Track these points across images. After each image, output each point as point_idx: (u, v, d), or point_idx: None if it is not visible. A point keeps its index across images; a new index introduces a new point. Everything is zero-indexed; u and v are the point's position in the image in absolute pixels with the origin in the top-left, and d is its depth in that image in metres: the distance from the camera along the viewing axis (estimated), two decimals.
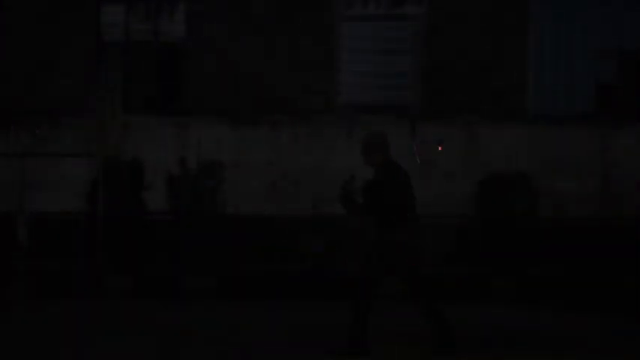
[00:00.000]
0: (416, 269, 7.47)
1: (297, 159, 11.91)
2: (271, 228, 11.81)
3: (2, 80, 12.20)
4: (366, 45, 12.02)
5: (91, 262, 11.67)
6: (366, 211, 7.47)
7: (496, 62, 11.79)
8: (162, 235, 11.92)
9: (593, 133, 11.69)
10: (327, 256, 11.67)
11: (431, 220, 9.48)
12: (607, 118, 11.72)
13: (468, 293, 11.03)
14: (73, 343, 8.19)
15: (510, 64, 11.78)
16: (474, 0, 11.86)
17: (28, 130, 12.09)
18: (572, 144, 11.67)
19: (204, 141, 12.01)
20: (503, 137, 11.73)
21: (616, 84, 11.81)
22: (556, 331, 8.81)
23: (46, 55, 12.20)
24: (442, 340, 7.49)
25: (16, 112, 12.09)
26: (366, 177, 7.55)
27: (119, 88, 12.26)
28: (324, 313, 9.66)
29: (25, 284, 11.42)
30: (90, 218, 11.87)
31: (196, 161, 12.04)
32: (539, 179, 11.69)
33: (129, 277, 11.52)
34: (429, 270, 7.78)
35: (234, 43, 12.04)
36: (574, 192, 11.62)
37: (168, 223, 11.99)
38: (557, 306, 10.51)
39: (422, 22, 11.90)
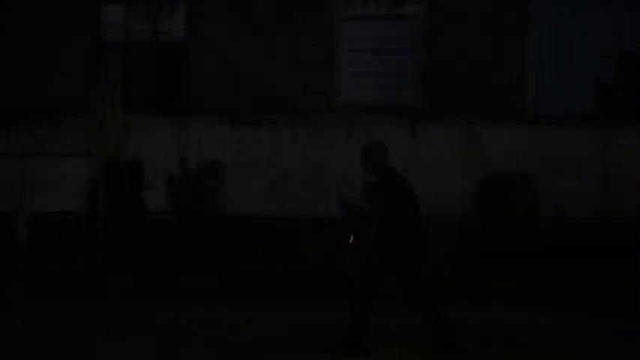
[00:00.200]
0: (416, 269, 7.48)
1: (297, 159, 11.91)
2: (271, 228, 11.81)
3: (2, 80, 12.19)
4: (366, 45, 12.02)
5: (91, 262, 11.67)
6: (366, 212, 7.49)
7: (496, 62, 11.79)
8: (162, 235, 11.91)
9: (593, 133, 11.69)
10: (327, 256, 11.67)
11: (431, 220, 9.47)
12: (607, 118, 11.71)
13: (468, 293, 11.03)
14: (73, 343, 8.20)
15: (510, 64, 11.78)
16: (473, 0, 11.85)
17: (28, 130, 12.09)
18: (572, 144, 11.66)
19: (204, 141, 12.01)
20: (503, 137, 11.73)
21: (616, 84, 11.80)
22: (556, 331, 8.82)
23: (46, 55, 12.20)
24: (442, 340, 7.49)
25: (16, 112, 12.09)
26: (365, 177, 7.56)
27: (119, 88, 12.26)
28: (324, 313, 9.66)
29: (25, 284, 11.42)
30: (90, 218, 11.87)
31: (196, 161, 12.04)
32: (539, 179, 11.69)
33: (129, 277, 11.52)
34: (429, 270, 7.78)
35: (234, 43, 12.03)
36: (574, 192, 11.62)
37: (168, 223, 11.99)
38: (557, 306, 10.51)
39: (422, 22, 11.90)
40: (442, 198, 11.47)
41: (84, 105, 12.07)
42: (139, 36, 12.27)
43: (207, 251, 11.79)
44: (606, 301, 10.60)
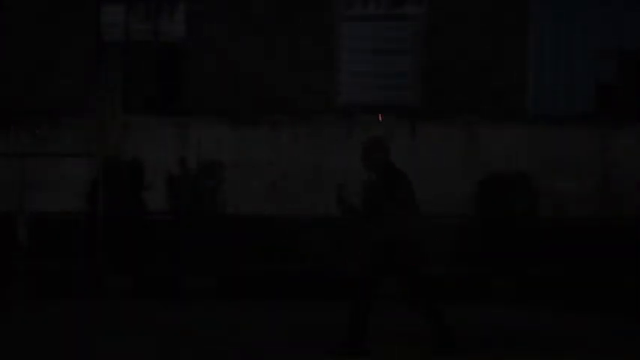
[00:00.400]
0: (416, 269, 7.48)
1: (297, 159, 11.91)
2: (271, 228, 11.81)
3: (2, 80, 12.20)
4: (366, 45, 12.02)
5: (91, 262, 11.67)
6: (366, 212, 7.48)
7: (496, 62, 11.79)
8: (162, 235, 11.91)
9: (593, 133, 11.69)
10: (327, 256, 11.67)
11: (431, 220, 9.46)
12: (607, 118, 11.71)
13: (468, 293, 11.03)
14: (73, 343, 8.19)
15: (510, 64, 11.78)
16: (473, 0, 11.85)
17: (28, 130, 12.09)
18: (572, 144, 11.66)
19: (204, 141, 12.01)
20: (503, 137, 11.73)
21: (616, 84, 11.80)
22: (556, 331, 8.81)
23: (46, 55, 12.20)
24: (442, 340, 7.49)
25: (16, 112, 12.09)
26: (364, 177, 7.56)
27: (119, 88, 12.26)
28: (324, 313, 9.66)
29: (25, 284, 11.42)
30: (90, 218, 11.87)
31: (196, 161, 12.04)
32: (539, 179, 11.69)
33: (129, 277, 11.52)
34: (429, 270, 7.78)
35: (234, 43, 12.03)
36: (574, 192, 11.62)
37: (168, 223, 11.99)
38: (557, 306, 10.51)
39: (422, 22, 11.90)
40: (442, 198, 11.47)
41: (84, 105, 12.07)
42: (139, 36, 12.27)
43: (207, 251, 11.79)
44: (606, 301, 10.60)
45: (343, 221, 8.50)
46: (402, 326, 8.61)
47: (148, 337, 8.47)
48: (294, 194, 11.88)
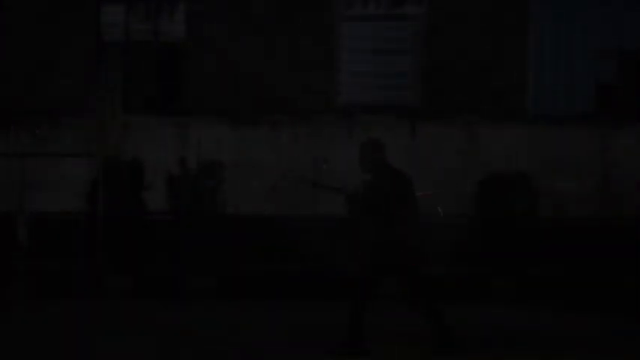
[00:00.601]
0: (416, 269, 7.48)
1: (297, 159, 11.90)
2: (271, 228, 11.81)
3: (2, 80, 12.19)
4: (366, 45, 12.02)
5: (91, 262, 11.67)
6: (366, 211, 7.48)
7: (496, 62, 11.79)
8: (162, 235, 11.91)
9: (593, 133, 11.69)
10: (327, 256, 11.66)
11: (431, 220, 9.44)
12: (607, 118, 11.71)
13: (468, 293, 11.03)
14: (73, 343, 8.19)
15: (510, 64, 11.78)
16: (473, 0, 11.85)
17: (28, 130, 12.09)
18: (572, 144, 11.66)
19: (204, 141, 12.00)
20: (503, 137, 11.73)
21: (616, 84, 11.80)
22: (556, 331, 8.81)
23: (46, 55, 12.20)
24: (442, 340, 7.49)
25: (16, 112, 12.09)
26: (364, 177, 7.56)
27: (119, 88, 12.26)
28: (324, 313, 9.66)
29: (25, 284, 11.42)
30: (90, 218, 11.87)
31: (196, 161, 12.04)
32: (539, 179, 11.69)
33: (129, 277, 11.52)
34: (429, 270, 7.78)
35: (234, 43, 12.03)
36: (574, 192, 11.62)
37: (168, 223, 11.99)
38: (557, 306, 10.51)
39: (422, 22, 11.90)
40: (442, 198, 11.45)
41: (84, 105, 12.07)
42: (139, 36, 12.27)
43: (207, 251, 11.79)
44: (606, 301, 10.59)
45: (346, 219, 8.48)
46: (402, 326, 8.61)
47: (148, 337, 8.47)
48: (294, 194, 11.86)
